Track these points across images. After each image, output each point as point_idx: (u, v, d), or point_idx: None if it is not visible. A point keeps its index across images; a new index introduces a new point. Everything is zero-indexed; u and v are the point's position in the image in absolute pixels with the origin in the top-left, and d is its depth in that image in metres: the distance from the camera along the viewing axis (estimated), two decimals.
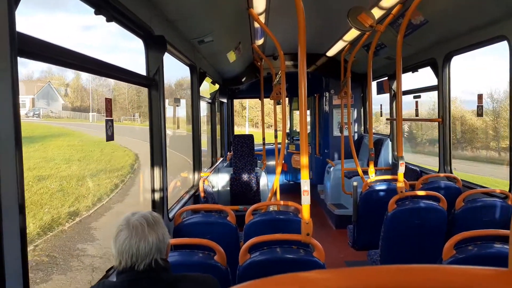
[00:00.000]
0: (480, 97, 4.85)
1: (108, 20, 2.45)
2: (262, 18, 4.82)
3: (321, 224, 7.69)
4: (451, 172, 5.26)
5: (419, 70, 6.31)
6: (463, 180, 4.80)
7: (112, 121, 2.40)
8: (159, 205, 3.33)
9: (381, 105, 8.62)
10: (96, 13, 2.30)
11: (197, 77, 5.20)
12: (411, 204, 3.87)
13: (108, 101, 2.44)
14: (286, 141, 10.89)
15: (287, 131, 11.28)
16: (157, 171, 3.30)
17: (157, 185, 3.32)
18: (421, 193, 4.23)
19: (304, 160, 2.76)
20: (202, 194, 4.73)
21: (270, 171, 9.08)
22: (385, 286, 0.51)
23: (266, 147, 8.16)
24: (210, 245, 2.55)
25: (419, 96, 6.71)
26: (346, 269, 0.54)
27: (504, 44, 3.93)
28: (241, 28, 5.28)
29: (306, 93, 2.79)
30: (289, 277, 0.53)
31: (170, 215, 3.56)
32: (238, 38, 5.69)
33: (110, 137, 2.36)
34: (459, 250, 2.59)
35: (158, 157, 3.30)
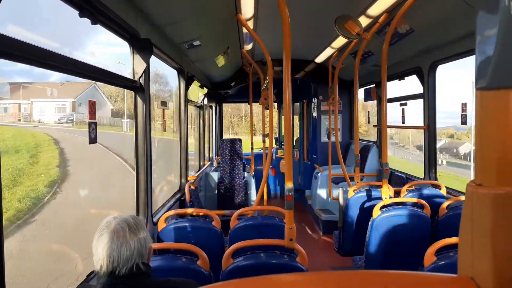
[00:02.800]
0: (464, 105, 4.93)
1: (93, 23, 2.45)
2: (250, 24, 4.84)
3: (308, 229, 7.71)
4: (436, 179, 5.33)
5: (405, 78, 6.41)
6: (447, 188, 4.86)
7: (95, 123, 2.39)
8: (143, 209, 3.30)
9: (368, 112, 8.70)
10: (81, 15, 2.29)
11: (185, 80, 5.20)
12: (396, 211, 3.91)
13: (92, 104, 2.42)
14: (275, 146, 10.93)
15: (276, 136, 11.32)
16: (141, 174, 3.29)
17: (141, 189, 3.30)
18: (405, 199, 4.29)
19: (288, 165, 2.77)
20: (188, 198, 4.71)
21: (259, 175, 9.09)
22: None
23: (254, 151, 8.17)
24: (193, 249, 2.54)
25: (405, 104, 6.79)
26: (322, 272, 0.55)
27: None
28: (229, 33, 5.30)
29: (291, 99, 2.82)
30: (267, 279, 0.54)
31: (155, 219, 3.54)
32: (226, 43, 5.71)
33: (93, 140, 2.34)
34: (440, 256, 2.62)
35: (143, 160, 3.28)
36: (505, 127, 0.51)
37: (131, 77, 3.18)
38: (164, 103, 4.48)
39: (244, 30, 5.11)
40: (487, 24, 0.51)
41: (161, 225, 3.45)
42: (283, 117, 11.75)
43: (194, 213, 3.79)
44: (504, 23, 0.48)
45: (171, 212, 3.66)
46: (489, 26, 0.51)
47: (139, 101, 3.27)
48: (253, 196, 7.20)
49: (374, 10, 4.58)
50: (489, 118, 0.52)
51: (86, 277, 2.37)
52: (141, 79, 3.22)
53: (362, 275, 0.54)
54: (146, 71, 3.29)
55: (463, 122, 4.88)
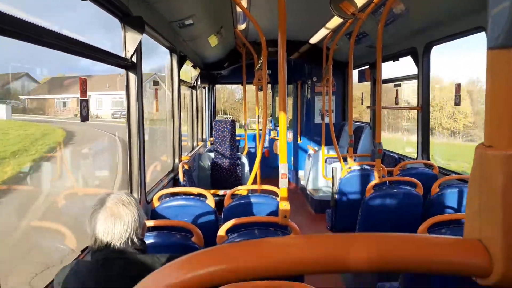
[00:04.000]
0: (458, 86, 4.94)
1: None
2: (244, 3, 4.77)
3: (301, 208, 7.79)
4: (428, 159, 5.38)
5: (400, 59, 6.39)
6: (439, 167, 4.91)
7: (87, 101, 2.36)
8: (136, 187, 3.30)
9: (362, 93, 8.70)
10: None
11: (177, 60, 5.13)
12: (388, 189, 3.95)
13: (83, 81, 2.39)
14: (269, 127, 10.93)
15: (270, 117, 11.31)
16: (134, 153, 3.27)
17: (134, 167, 3.29)
18: (398, 178, 4.33)
19: (283, 144, 2.78)
20: (181, 178, 4.71)
21: (252, 156, 9.11)
22: (347, 252, 0.53)
23: (248, 132, 8.16)
24: (187, 226, 2.56)
25: (399, 85, 6.79)
26: (316, 235, 0.56)
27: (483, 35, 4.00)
28: (223, 12, 5.22)
29: (286, 79, 2.80)
30: (259, 241, 0.55)
31: (148, 198, 3.55)
32: (220, 22, 5.63)
33: (84, 118, 2.32)
34: (432, 233, 2.67)
35: (135, 139, 3.27)
36: None
37: (123, 55, 3.13)
38: (156, 83, 4.43)
39: (238, 9, 5.04)
40: None
41: (155, 204, 3.46)
42: (277, 98, 11.72)
43: (188, 192, 3.80)
44: None
45: (165, 191, 3.66)
46: None
47: (131, 80, 3.23)
48: (247, 176, 7.23)
49: None
50: (501, 77, 0.51)
51: (81, 253, 2.38)
52: (133, 57, 3.18)
53: (362, 237, 0.55)
54: (138, 50, 3.24)
55: (457, 102, 4.90)
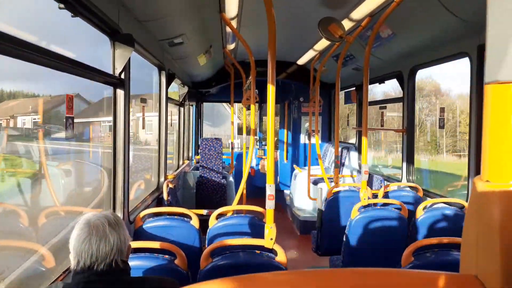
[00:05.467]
0: (442, 110, 5.04)
1: (74, 16, 2.38)
2: (234, 23, 4.82)
3: (286, 229, 7.74)
4: (413, 182, 5.42)
5: (385, 81, 6.51)
6: (424, 190, 4.95)
7: (72, 118, 2.33)
8: (119, 207, 3.24)
9: (348, 114, 8.81)
10: (61, 7, 2.22)
11: (166, 78, 5.13)
12: (373, 212, 3.96)
13: (70, 99, 2.36)
14: (256, 146, 10.93)
15: (257, 136, 11.33)
16: (119, 171, 3.22)
17: (118, 186, 3.23)
18: (383, 201, 4.35)
19: (270, 165, 2.76)
20: (166, 197, 4.64)
21: (238, 175, 9.05)
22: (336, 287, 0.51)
23: (234, 151, 8.14)
24: (170, 248, 2.50)
25: (385, 107, 6.90)
26: (303, 271, 0.54)
27: (467, 61, 4.12)
28: (212, 32, 5.26)
29: (275, 100, 2.81)
30: (247, 278, 0.53)
31: (131, 218, 3.47)
32: (209, 42, 5.67)
33: (69, 136, 2.28)
34: (417, 257, 2.67)
35: (121, 157, 3.22)
36: None
37: (111, 73, 3.11)
38: (143, 100, 4.41)
39: (228, 29, 5.08)
40: (500, 17, 0.50)
41: (138, 224, 3.39)
42: (264, 117, 11.77)
43: (172, 212, 3.73)
44: None
45: (149, 211, 3.60)
46: (502, 19, 0.50)
47: (119, 97, 3.20)
48: (233, 195, 7.17)
49: (357, 13, 4.63)
50: (499, 112, 0.51)
51: (62, 274, 2.30)
52: (121, 74, 3.16)
53: (351, 273, 0.53)
54: (127, 67, 3.23)
55: (441, 126, 4.98)
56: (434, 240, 2.88)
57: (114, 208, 3.20)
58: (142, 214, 3.45)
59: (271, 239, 2.64)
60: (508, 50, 0.49)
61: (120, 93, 3.21)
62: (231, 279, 0.53)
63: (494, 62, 0.51)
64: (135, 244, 2.65)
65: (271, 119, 2.81)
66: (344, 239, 3.97)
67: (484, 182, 0.52)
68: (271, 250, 2.68)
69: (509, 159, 0.50)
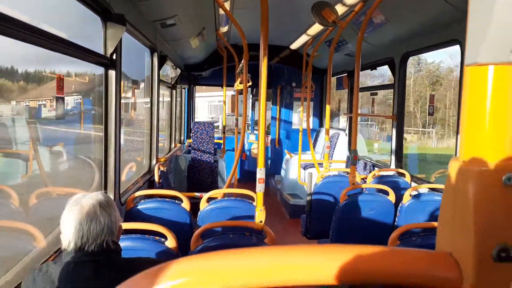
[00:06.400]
0: (432, 97, 5.08)
1: None
2: (227, 5, 4.77)
3: (276, 213, 7.82)
4: (401, 168, 5.50)
5: (377, 68, 6.53)
6: (411, 175, 5.03)
7: (63, 99, 2.32)
8: (110, 188, 3.25)
9: (339, 100, 8.84)
10: None
11: (158, 60, 5.09)
12: (361, 197, 4.02)
13: (60, 79, 2.34)
14: (248, 131, 10.94)
15: (249, 121, 11.33)
16: (110, 153, 3.22)
17: (110, 168, 3.23)
18: (371, 186, 4.42)
19: (261, 149, 2.79)
20: (157, 180, 4.66)
21: (230, 159, 9.07)
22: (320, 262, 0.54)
23: (226, 135, 8.15)
24: (161, 230, 2.53)
25: (376, 93, 6.94)
26: (291, 246, 0.56)
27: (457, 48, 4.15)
28: (205, 14, 5.21)
29: (266, 84, 2.81)
30: (234, 251, 0.55)
31: (122, 200, 3.49)
32: (202, 24, 5.61)
33: (60, 116, 2.27)
34: (403, 241, 2.74)
35: (112, 139, 3.21)
36: (494, 104, 0.52)
37: (102, 53, 3.08)
38: (135, 81, 4.37)
39: (221, 11, 5.04)
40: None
41: (128, 206, 3.40)
42: (256, 102, 11.75)
43: (164, 194, 3.76)
44: None
45: (140, 193, 3.61)
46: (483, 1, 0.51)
47: (110, 78, 3.18)
48: (224, 179, 7.21)
49: None
50: (477, 94, 0.53)
51: (53, 254, 2.32)
52: (113, 55, 3.13)
53: (334, 248, 0.56)
54: (118, 48, 3.20)
55: (430, 113, 5.03)
56: (420, 225, 2.96)
57: (105, 189, 3.21)
58: (133, 196, 3.47)
59: (261, 221, 2.69)
60: (488, 31, 0.50)
61: (112, 74, 3.18)
62: (212, 254, 0.55)
63: (474, 44, 0.53)
64: (126, 225, 2.67)
65: (262, 104, 2.82)
66: (332, 223, 4.04)
67: (460, 162, 0.55)
68: (261, 232, 2.73)
69: (484, 140, 0.53)
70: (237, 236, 2.61)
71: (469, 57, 0.53)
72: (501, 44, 0.50)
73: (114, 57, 3.16)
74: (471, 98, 0.53)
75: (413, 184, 4.84)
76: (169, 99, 7.68)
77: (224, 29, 6.33)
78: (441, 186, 4.26)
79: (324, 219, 4.56)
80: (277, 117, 10.13)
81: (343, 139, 8.02)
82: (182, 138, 9.24)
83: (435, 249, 0.60)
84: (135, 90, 5.33)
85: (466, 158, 0.54)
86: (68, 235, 1.64)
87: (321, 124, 9.34)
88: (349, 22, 4.95)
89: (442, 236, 0.58)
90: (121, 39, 3.16)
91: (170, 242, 2.47)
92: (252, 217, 2.84)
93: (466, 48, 0.55)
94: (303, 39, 7.43)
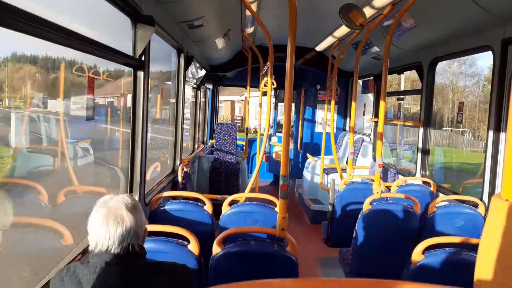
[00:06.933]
0: (461, 104, 4.94)
1: None
2: (253, 7, 4.76)
3: (297, 217, 7.77)
4: (427, 177, 5.37)
5: (404, 72, 6.39)
6: (437, 185, 4.90)
7: (93, 100, 2.35)
8: (136, 189, 3.28)
9: (364, 104, 8.70)
10: None
11: (184, 60, 5.12)
12: (386, 206, 3.93)
13: (91, 80, 2.38)
14: (270, 133, 10.91)
15: (272, 123, 11.30)
16: (137, 154, 3.25)
17: (136, 168, 3.27)
18: (395, 195, 4.32)
19: (285, 154, 2.76)
20: (180, 180, 4.69)
21: (252, 161, 9.09)
22: None
23: (249, 137, 8.16)
24: (184, 233, 2.54)
25: (402, 99, 6.80)
26: (314, 280, 0.54)
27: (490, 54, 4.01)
28: (232, 15, 5.22)
29: (292, 87, 2.77)
30: (258, 284, 0.53)
31: (147, 200, 3.53)
32: (228, 25, 5.62)
33: (90, 117, 2.31)
34: (428, 255, 2.66)
35: (139, 140, 3.25)
36: None
37: (131, 54, 3.11)
38: (162, 82, 4.41)
39: (247, 12, 5.03)
40: None
41: (153, 206, 3.44)
42: (279, 104, 11.70)
43: (187, 196, 3.78)
44: None
45: (164, 194, 3.64)
46: None
47: (139, 79, 3.21)
48: (246, 181, 7.21)
49: (380, 1, 4.53)
50: None
51: (79, 255, 2.36)
52: (141, 57, 3.17)
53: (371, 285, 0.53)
54: (147, 49, 3.23)
55: (459, 121, 4.89)
56: (446, 239, 2.87)
57: (131, 190, 3.25)
58: (157, 197, 3.50)
59: (283, 229, 2.66)
60: None
61: (140, 75, 3.22)
62: (243, 284, 0.54)
63: None
64: (150, 227, 2.69)
65: (286, 110, 2.77)
66: (355, 232, 3.96)
67: (504, 201, 0.51)
68: (282, 240, 2.70)
69: None
70: (258, 242, 2.60)
71: None
72: None
73: (142, 58, 3.19)
74: None
75: (439, 194, 4.72)
76: (193, 99, 7.74)
77: (250, 30, 6.32)
78: (468, 198, 4.13)
79: (346, 227, 4.49)
80: (300, 119, 10.06)
81: (367, 145, 7.89)
82: (205, 138, 9.29)
83: (474, 285, 0.57)
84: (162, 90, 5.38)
85: (509, 197, 0.50)
86: (95, 236, 1.66)
87: (344, 128, 9.23)
88: (377, 25, 4.87)
89: (482, 275, 0.55)
90: (149, 41, 3.19)
91: (193, 246, 2.48)
92: (273, 222, 2.82)
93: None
94: (329, 41, 7.35)
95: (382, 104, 4.54)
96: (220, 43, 6.05)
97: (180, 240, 2.52)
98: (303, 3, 4.74)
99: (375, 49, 6.22)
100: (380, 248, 3.86)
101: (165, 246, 2.45)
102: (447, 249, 2.69)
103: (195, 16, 4.37)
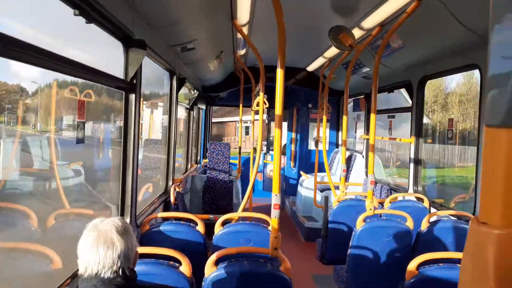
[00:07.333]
0: (450, 121, 5.01)
1: (88, 22, 2.43)
2: (245, 30, 4.86)
3: (291, 235, 7.73)
4: (419, 192, 5.40)
5: (394, 91, 6.49)
6: (430, 201, 4.93)
7: (83, 123, 2.37)
8: (127, 211, 3.27)
9: (356, 122, 8.79)
10: (76, 14, 2.26)
11: (177, 82, 5.18)
12: (379, 222, 3.95)
13: (82, 103, 2.40)
14: (263, 151, 10.95)
15: (265, 142, 11.35)
16: (128, 176, 3.25)
17: (127, 190, 3.26)
18: (388, 211, 4.34)
19: (276, 174, 2.78)
20: (173, 201, 4.68)
21: (245, 180, 9.07)
22: None
23: (242, 156, 8.17)
24: (175, 255, 2.53)
25: (393, 116, 6.88)
26: None
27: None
28: (224, 38, 5.30)
29: (282, 106, 2.82)
30: None
31: (138, 222, 3.51)
32: (220, 47, 5.71)
33: (80, 140, 2.32)
34: (422, 270, 2.67)
35: (130, 161, 3.25)
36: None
37: (123, 78, 3.15)
38: (154, 104, 4.45)
39: (239, 35, 5.12)
40: (502, 57, 0.51)
41: (144, 228, 3.42)
42: (272, 123, 11.79)
43: (179, 217, 3.77)
44: None
45: (155, 215, 3.63)
46: (504, 60, 0.50)
47: (130, 102, 3.24)
48: (239, 200, 7.19)
49: (368, 22, 4.64)
50: (498, 156, 0.51)
51: (68, 279, 2.33)
52: (133, 80, 3.20)
53: None
54: (138, 72, 3.27)
55: (450, 137, 4.96)
56: (439, 255, 2.89)
57: (122, 212, 3.23)
58: (148, 218, 3.49)
59: (276, 248, 2.66)
60: (509, 96, 0.50)
61: (132, 97, 3.25)
62: None
63: (496, 105, 0.52)
64: (141, 250, 2.68)
65: (277, 130, 2.81)
66: (349, 249, 3.97)
67: (480, 224, 0.53)
68: (276, 259, 2.70)
69: (505, 203, 0.51)
70: (251, 263, 2.59)
71: (489, 117, 0.52)
72: None
73: (134, 81, 3.23)
74: (490, 158, 0.52)
75: (432, 210, 4.74)
76: (185, 118, 7.78)
77: (242, 52, 6.42)
78: (461, 213, 4.15)
79: (340, 244, 4.48)
80: (293, 137, 10.13)
81: (359, 161, 7.94)
82: (199, 158, 9.30)
83: None
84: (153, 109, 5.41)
85: (485, 220, 0.52)
86: (85, 261, 1.65)
87: (337, 146, 9.29)
88: (366, 46, 4.97)
89: None
90: (141, 63, 3.23)
91: (185, 268, 2.47)
92: (266, 242, 2.81)
93: (486, 109, 0.54)
94: (319, 61, 7.47)
95: (372, 121, 4.60)
96: (212, 65, 6.13)
97: (172, 262, 2.51)
98: (293, 25, 4.84)
99: (365, 68, 6.33)
100: (374, 265, 3.86)
101: (156, 268, 2.44)
102: (441, 264, 2.70)
103: (187, 39, 4.44)
